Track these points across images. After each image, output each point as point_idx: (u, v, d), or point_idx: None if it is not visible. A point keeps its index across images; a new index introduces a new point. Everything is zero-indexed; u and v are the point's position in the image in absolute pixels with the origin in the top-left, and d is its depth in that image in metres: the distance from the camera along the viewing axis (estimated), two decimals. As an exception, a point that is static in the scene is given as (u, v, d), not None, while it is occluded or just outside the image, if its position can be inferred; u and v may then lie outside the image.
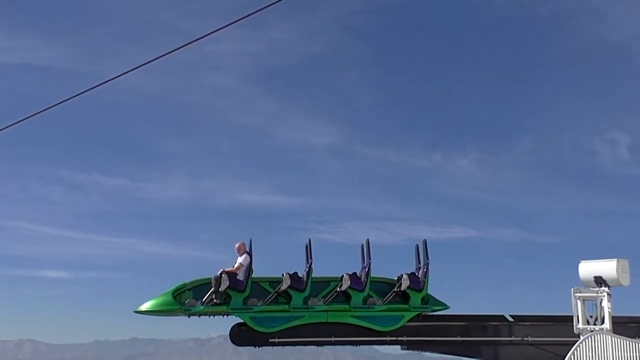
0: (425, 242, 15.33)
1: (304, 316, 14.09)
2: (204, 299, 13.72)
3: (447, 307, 15.46)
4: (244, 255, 14.13)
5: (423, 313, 15.09)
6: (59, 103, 9.51)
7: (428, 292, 15.03)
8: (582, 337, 13.67)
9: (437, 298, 15.33)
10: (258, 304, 13.85)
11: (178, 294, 13.83)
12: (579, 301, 14.66)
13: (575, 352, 13.12)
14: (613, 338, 13.62)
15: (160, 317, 14.11)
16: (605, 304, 14.49)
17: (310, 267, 14.34)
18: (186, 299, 13.79)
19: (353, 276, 14.53)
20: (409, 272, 14.95)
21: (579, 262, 15.20)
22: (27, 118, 9.98)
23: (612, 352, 13.37)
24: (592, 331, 14.00)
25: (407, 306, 14.77)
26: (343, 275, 14.43)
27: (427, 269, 15.07)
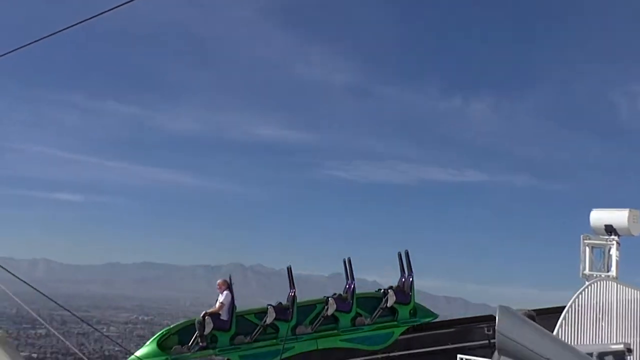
0: (407, 253, 15.07)
1: (293, 347, 13.77)
2: (190, 343, 13.34)
3: (435, 317, 15.38)
4: (225, 293, 13.69)
5: (413, 326, 14.95)
6: (72, 26, 9.35)
7: (415, 303, 14.82)
8: (587, 283, 13.76)
9: (426, 307, 15.19)
10: (246, 340, 13.50)
11: (164, 339, 13.41)
12: (587, 247, 14.69)
13: (580, 296, 13.24)
14: (619, 285, 13.69)
15: None
16: (614, 252, 14.54)
17: (294, 295, 14.03)
18: (172, 345, 13.38)
19: (338, 299, 14.28)
20: (394, 287, 14.74)
21: (589, 212, 15.15)
22: (40, 40, 9.85)
23: (617, 299, 13.48)
24: (597, 277, 14.08)
25: (395, 322, 14.55)
26: (328, 299, 14.20)
27: (412, 280, 14.82)
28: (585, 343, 12.85)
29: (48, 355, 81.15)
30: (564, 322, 13.04)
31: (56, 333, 10.52)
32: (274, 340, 13.65)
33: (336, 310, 14.10)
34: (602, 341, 13.17)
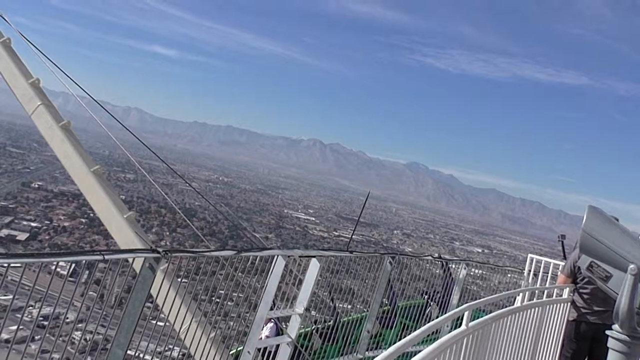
0: (447, 263, 13.81)
1: None
2: None
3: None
4: (269, 326, 10.94)
5: None
6: None
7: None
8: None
9: (476, 312, 14.10)
10: None
11: None
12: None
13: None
14: None
15: None
16: None
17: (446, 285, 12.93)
18: None
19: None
20: (434, 295, 13.50)
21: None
22: None
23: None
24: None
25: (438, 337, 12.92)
26: (429, 301, 13.16)
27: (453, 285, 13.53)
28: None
29: (135, 199, 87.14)
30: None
31: (149, 178, 11.27)
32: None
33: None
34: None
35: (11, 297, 5.34)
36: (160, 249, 5.72)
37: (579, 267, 7.85)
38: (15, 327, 5.53)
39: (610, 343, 5.13)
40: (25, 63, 10.74)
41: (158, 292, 6.46)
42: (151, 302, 6.70)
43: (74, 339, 7.08)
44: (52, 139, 9.82)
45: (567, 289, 8.68)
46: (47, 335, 6.38)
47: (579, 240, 5.09)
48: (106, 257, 5.11)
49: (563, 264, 10.44)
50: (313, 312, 11.90)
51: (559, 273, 9.66)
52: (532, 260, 13.79)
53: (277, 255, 7.67)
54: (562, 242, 13.29)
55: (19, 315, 6.53)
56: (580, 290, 8.41)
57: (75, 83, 10.63)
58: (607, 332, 5.19)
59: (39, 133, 10.52)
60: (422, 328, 4.11)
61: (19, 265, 4.86)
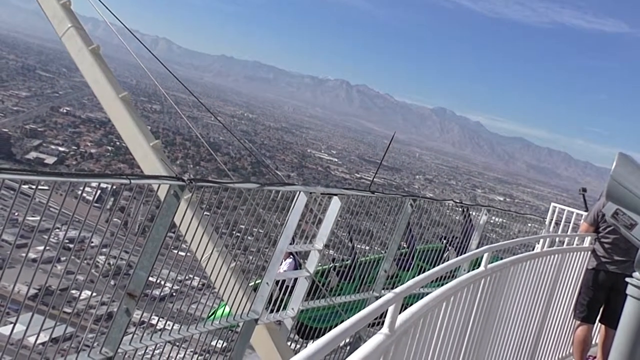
0: (467, 209, 13.62)
1: None
2: None
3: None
4: (288, 261, 10.86)
5: None
6: None
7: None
8: None
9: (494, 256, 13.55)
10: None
11: None
12: None
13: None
14: None
15: None
16: None
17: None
18: None
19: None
20: (452, 240, 13.25)
21: None
22: None
23: None
24: None
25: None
26: (447, 245, 13.06)
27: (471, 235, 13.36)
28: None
29: (160, 130, 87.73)
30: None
31: (177, 109, 11.38)
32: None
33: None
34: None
35: (39, 218, 5.46)
36: (185, 177, 5.79)
37: (602, 215, 7.78)
38: (42, 248, 5.66)
39: (630, 290, 5.13)
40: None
41: (181, 221, 6.56)
42: (173, 232, 6.81)
43: (98, 262, 7.27)
44: (82, 62, 9.84)
45: (589, 237, 8.63)
46: (72, 257, 6.55)
47: (605, 186, 5.03)
48: (132, 181, 5.18)
49: (586, 214, 10.37)
50: (331, 252, 12.16)
51: (582, 222, 9.60)
52: (554, 209, 13.67)
53: (299, 191, 7.70)
54: (584, 194, 13.07)
55: (46, 237, 6.70)
56: (602, 240, 8.35)
57: (107, 8, 10.55)
58: (628, 279, 5.18)
59: (69, 58, 10.55)
60: (442, 265, 4.14)
61: (46, 188, 4.94)
